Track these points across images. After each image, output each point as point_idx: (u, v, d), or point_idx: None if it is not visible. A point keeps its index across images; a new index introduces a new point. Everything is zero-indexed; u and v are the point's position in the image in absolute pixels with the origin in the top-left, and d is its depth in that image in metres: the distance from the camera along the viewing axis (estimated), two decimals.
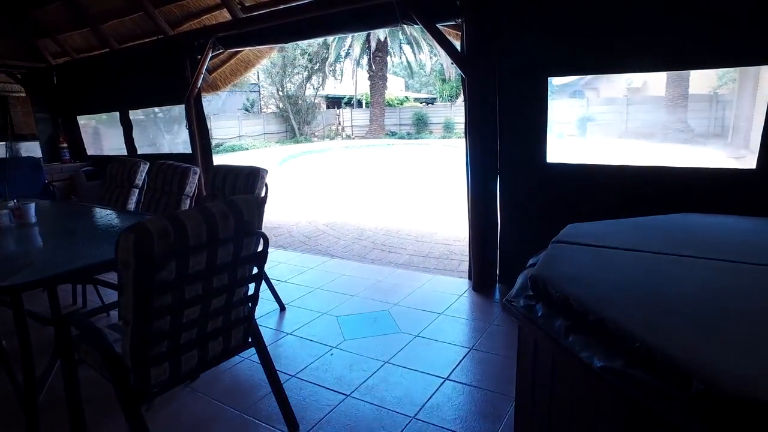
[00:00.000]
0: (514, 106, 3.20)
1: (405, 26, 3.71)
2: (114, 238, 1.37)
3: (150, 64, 5.19)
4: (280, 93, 23.33)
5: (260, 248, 1.74)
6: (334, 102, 27.88)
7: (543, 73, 3.05)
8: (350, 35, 21.38)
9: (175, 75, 4.91)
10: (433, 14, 3.37)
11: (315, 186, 9.96)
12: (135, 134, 5.77)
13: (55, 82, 6.29)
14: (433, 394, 2.22)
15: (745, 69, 10.88)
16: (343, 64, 24.33)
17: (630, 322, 1.04)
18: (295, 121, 23.41)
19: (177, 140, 6.22)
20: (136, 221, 1.37)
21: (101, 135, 7.00)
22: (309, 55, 22.49)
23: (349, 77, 25.23)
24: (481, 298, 3.38)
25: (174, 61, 4.89)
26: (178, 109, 5.03)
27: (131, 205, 3.56)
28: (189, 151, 5.05)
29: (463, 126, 3.74)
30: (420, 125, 23.83)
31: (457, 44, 3.49)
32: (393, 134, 23.88)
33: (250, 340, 1.92)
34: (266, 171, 3.01)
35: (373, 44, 21.89)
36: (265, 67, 22.15)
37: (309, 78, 23.32)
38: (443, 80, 25.74)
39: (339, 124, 26.05)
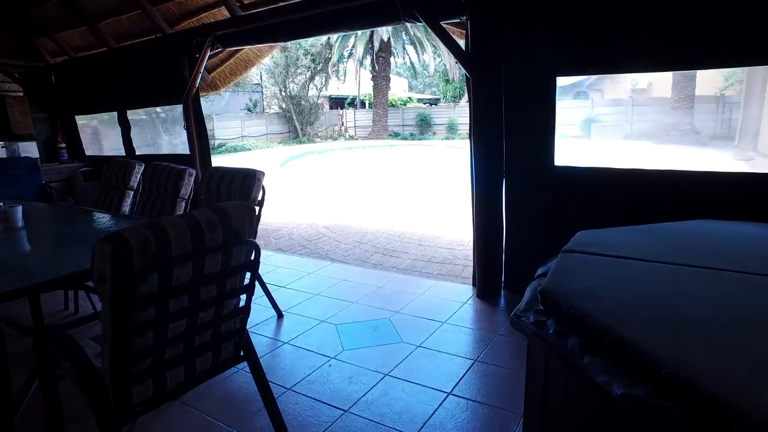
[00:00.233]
0: (520, 106, 3.10)
1: (408, 26, 3.63)
2: None
3: (148, 64, 5.11)
4: (283, 93, 23.25)
5: (252, 258, 1.63)
6: (337, 102, 27.82)
7: (551, 73, 2.96)
8: (353, 35, 21.33)
9: (173, 74, 4.82)
10: (436, 11, 3.27)
11: (316, 188, 9.85)
12: (134, 134, 5.69)
13: (53, 81, 6.21)
14: (436, 410, 2.11)
15: (754, 69, 10.74)
16: (346, 65, 24.23)
17: (654, 344, 0.93)
18: (298, 121, 23.34)
19: (176, 141, 6.12)
20: (116, 230, 1.27)
21: (100, 135, 6.91)
22: (312, 55, 22.41)
23: (352, 78, 25.13)
24: (485, 306, 3.26)
25: (172, 60, 4.80)
26: (180, 109, 4.95)
27: (126, 208, 3.46)
28: (187, 152, 4.96)
29: (466, 127, 3.64)
30: (423, 126, 23.73)
31: (462, 43, 3.39)
32: (396, 135, 23.79)
33: (242, 353, 1.81)
34: (263, 173, 2.90)
35: (377, 44, 21.75)
36: (267, 68, 22.15)
37: (312, 78, 23.22)
38: (447, 81, 25.64)
39: (342, 124, 25.96)
